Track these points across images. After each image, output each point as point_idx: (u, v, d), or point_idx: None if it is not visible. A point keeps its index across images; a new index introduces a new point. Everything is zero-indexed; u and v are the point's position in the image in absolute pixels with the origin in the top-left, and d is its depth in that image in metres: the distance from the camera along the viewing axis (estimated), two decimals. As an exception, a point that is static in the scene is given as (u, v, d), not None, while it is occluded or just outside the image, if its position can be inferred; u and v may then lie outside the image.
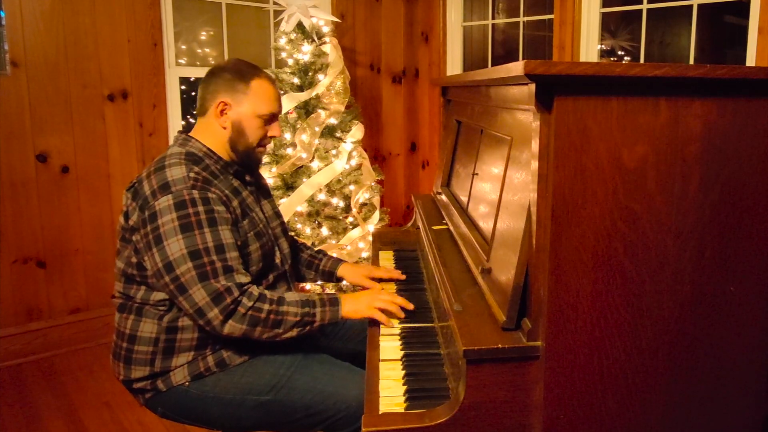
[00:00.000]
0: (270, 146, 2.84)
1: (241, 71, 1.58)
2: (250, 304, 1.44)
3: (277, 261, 1.68)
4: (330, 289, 3.18)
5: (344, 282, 1.94)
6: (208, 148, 1.58)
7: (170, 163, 1.50)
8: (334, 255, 3.11)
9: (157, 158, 1.56)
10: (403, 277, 1.83)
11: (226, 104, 1.57)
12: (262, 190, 1.77)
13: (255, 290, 1.47)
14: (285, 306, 1.49)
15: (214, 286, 1.41)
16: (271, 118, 1.63)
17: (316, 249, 2.00)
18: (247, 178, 1.67)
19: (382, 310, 1.57)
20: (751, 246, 1.13)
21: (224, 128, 1.59)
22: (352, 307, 1.56)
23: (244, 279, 1.46)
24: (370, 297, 1.60)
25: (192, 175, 1.47)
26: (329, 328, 1.82)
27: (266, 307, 1.46)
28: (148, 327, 1.52)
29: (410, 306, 1.60)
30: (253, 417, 1.52)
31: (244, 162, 1.64)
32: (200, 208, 1.44)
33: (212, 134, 1.60)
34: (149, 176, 1.49)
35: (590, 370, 1.10)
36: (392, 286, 1.84)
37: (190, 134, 1.61)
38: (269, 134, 1.64)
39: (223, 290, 1.42)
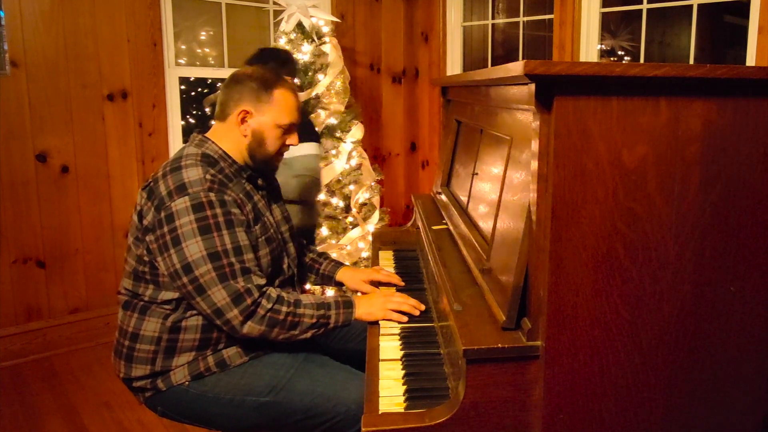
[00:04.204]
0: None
1: (265, 80, 1.59)
2: (270, 305, 1.45)
3: (285, 266, 1.69)
4: (330, 291, 3.18)
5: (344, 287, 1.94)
6: (224, 151, 1.59)
7: (186, 164, 1.50)
8: (335, 255, 3.12)
9: (173, 158, 1.57)
10: (402, 283, 1.84)
11: (248, 113, 1.57)
12: (273, 194, 1.78)
13: (273, 292, 1.49)
14: (302, 308, 1.50)
15: (234, 287, 1.42)
16: (290, 128, 1.63)
17: (318, 252, 2.00)
18: (260, 182, 1.67)
19: (396, 311, 1.58)
20: (751, 246, 1.13)
21: (244, 136, 1.59)
22: (366, 310, 1.58)
23: (261, 281, 1.48)
24: (383, 299, 1.61)
25: (209, 177, 1.48)
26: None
27: (284, 309, 1.47)
28: (152, 326, 1.52)
29: (422, 306, 1.61)
30: (252, 418, 1.52)
31: (261, 169, 1.65)
32: (218, 210, 1.45)
33: (230, 140, 1.60)
34: (165, 176, 1.49)
35: (590, 370, 1.10)
36: (391, 288, 1.84)
37: (206, 135, 1.61)
38: (287, 143, 1.65)
39: (243, 291, 1.43)
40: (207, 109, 3.64)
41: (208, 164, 1.52)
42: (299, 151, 2.66)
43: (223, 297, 1.42)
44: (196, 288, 1.43)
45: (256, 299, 1.44)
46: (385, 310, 1.58)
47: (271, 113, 1.58)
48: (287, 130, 1.62)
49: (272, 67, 2.62)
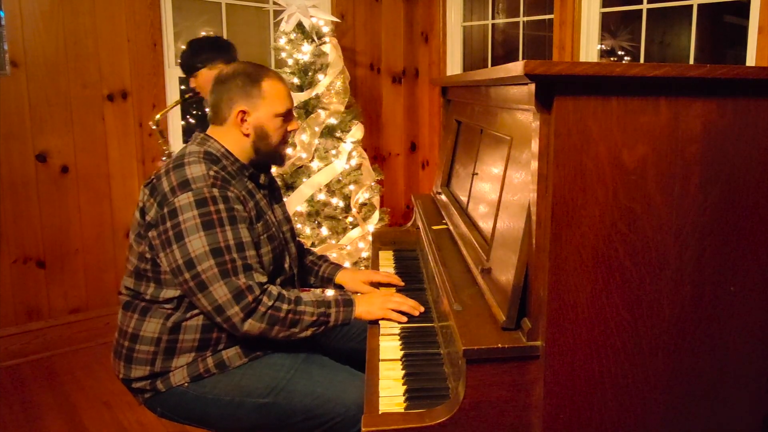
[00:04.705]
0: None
1: (250, 75, 1.58)
2: (270, 303, 1.45)
3: (286, 265, 1.69)
4: (330, 292, 3.18)
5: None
6: (226, 149, 1.59)
7: (189, 161, 1.50)
8: (335, 255, 3.12)
9: (175, 155, 1.57)
10: (402, 283, 1.84)
11: (245, 112, 1.57)
12: (274, 194, 1.78)
13: (274, 289, 1.49)
14: (302, 306, 1.50)
15: (236, 284, 1.42)
16: (288, 114, 1.64)
17: (318, 254, 2.00)
18: (261, 180, 1.67)
19: (395, 311, 1.59)
20: (751, 246, 1.13)
21: (246, 135, 1.59)
22: (366, 308, 1.59)
23: (262, 278, 1.48)
24: (383, 298, 1.62)
25: (212, 173, 1.48)
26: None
27: (285, 306, 1.47)
28: (152, 326, 1.52)
29: (421, 308, 1.62)
30: (252, 419, 1.52)
31: (269, 160, 1.67)
32: (221, 206, 1.45)
33: (233, 140, 1.60)
34: (168, 173, 1.49)
35: (590, 370, 1.10)
36: (392, 288, 1.84)
37: (208, 133, 1.61)
38: (289, 129, 1.66)
39: (244, 288, 1.43)
40: (208, 110, 3.64)
41: (211, 162, 1.53)
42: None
43: (224, 293, 1.42)
44: (197, 284, 1.42)
45: (258, 296, 1.44)
46: (384, 309, 1.58)
47: (266, 106, 1.59)
48: (285, 117, 1.63)
49: (212, 56, 2.47)
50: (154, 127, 2.66)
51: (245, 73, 1.58)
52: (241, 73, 1.59)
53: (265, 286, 1.47)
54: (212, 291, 1.42)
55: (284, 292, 1.51)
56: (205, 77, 2.46)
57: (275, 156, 1.67)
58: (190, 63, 2.49)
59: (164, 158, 2.65)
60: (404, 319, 1.58)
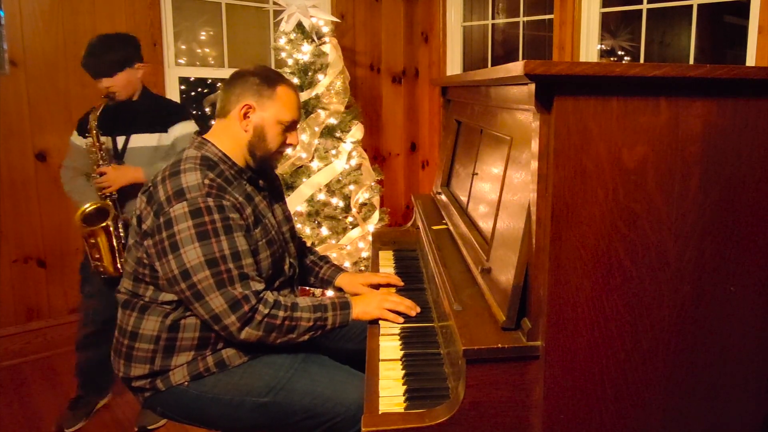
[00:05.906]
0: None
1: (267, 76, 1.59)
2: (266, 311, 1.46)
3: (285, 267, 1.69)
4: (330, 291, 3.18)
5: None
6: (223, 153, 1.58)
7: (185, 168, 1.49)
8: (335, 255, 3.12)
9: (172, 161, 1.56)
10: (402, 283, 1.84)
11: (251, 107, 1.57)
12: (274, 194, 1.78)
13: (270, 297, 1.49)
14: (299, 312, 1.51)
15: (231, 294, 1.43)
16: (292, 125, 1.63)
17: (319, 255, 2.00)
18: (261, 183, 1.67)
19: (392, 311, 1.60)
20: (751, 246, 1.13)
21: (246, 131, 1.59)
22: (362, 309, 1.60)
23: (259, 286, 1.48)
24: (379, 298, 1.63)
25: (207, 182, 1.47)
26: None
27: (281, 313, 1.48)
28: (151, 325, 1.52)
29: (418, 308, 1.62)
30: (252, 418, 1.52)
31: (260, 166, 1.65)
32: (216, 216, 1.44)
33: (231, 137, 1.59)
34: (164, 181, 1.48)
35: (590, 370, 1.10)
36: (392, 289, 1.84)
37: (205, 137, 1.61)
38: (288, 141, 1.64)
39: (240, 298, 1.43)
40: (207, 109, 3.62)
41: (208, 167, 1.52)
42: (181, 131, 2.38)
43: (220, 303, 1.42)
44: (193, 294, 1.43)
45: (254, 305, 1.45)
46: (381, 309, 1.59)
47: (273, 109, 1.58)
48: (288, 127, 1.63)
49: (135, 54, 2.37)
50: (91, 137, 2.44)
51: (264, 74, 1.59)
52: (260, 73, 1.59)
53: (262, 294, 1.48)
54: (208, 301, 1.43)
55: (281, 298, 1.51)
56: (128, 76, 2.36)
57: (268, 162, 1.66)
58: (119, 60, 2.32)
59: (100, 163, 2.40)
60: (401, 319, 1.58)
